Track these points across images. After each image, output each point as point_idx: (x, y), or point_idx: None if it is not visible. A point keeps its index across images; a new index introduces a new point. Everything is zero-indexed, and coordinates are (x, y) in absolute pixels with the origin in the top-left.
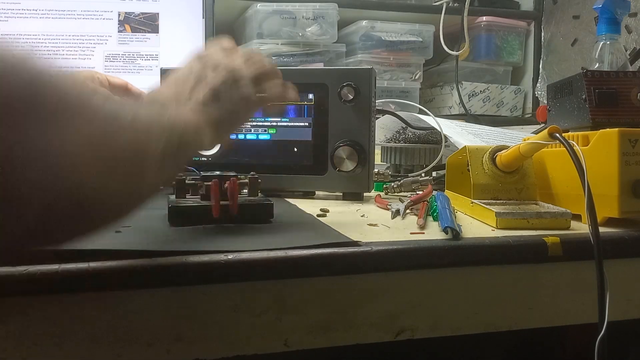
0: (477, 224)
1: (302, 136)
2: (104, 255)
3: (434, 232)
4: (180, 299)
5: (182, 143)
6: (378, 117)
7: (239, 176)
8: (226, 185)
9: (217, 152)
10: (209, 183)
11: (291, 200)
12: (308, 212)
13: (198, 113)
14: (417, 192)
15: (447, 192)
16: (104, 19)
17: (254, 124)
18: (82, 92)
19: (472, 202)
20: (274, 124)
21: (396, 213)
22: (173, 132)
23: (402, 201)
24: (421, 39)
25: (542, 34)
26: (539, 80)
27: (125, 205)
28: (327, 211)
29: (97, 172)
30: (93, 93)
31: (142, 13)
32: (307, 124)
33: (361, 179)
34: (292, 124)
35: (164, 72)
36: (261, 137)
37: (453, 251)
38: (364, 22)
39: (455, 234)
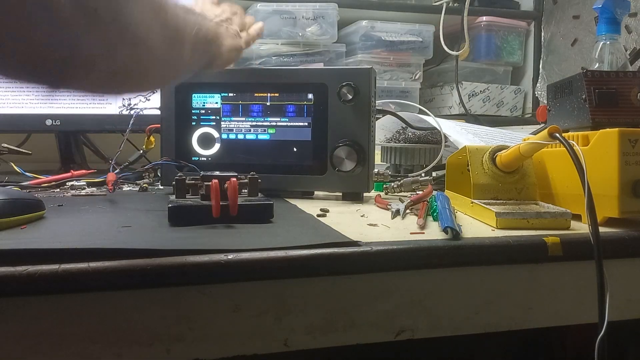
0: (477, 224)
1: (301, 136)
2: (104, 255)
3: (434, 232)
4: (180, 299)
5: (207, 39)
6: (378, 117)
7: (239, 176)
8: (226, 185)
9: (216, 151)
10: (209, 183)
11: (291, 200)
12: (308, 212)
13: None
14: (417, 192)
15: (447, 192)
16: None
17: (254, 124)
18: None
19: (472, 202)
20: (274, 124)
21: (396, 213)
22: (201, 28)
23: (402, 201)
24: (421, 39)
25: (542, 34)
26: (539, 80)
27: (166, 73)
28: (327, 211)
29: (156, 39)
30: None
31: None
32: (306, 123)
33: (361, 179)
34: (291, 123)
35: None
36: (261, 137)
37: (453, 251)
38: (364, 22)
39: (455, 234)
